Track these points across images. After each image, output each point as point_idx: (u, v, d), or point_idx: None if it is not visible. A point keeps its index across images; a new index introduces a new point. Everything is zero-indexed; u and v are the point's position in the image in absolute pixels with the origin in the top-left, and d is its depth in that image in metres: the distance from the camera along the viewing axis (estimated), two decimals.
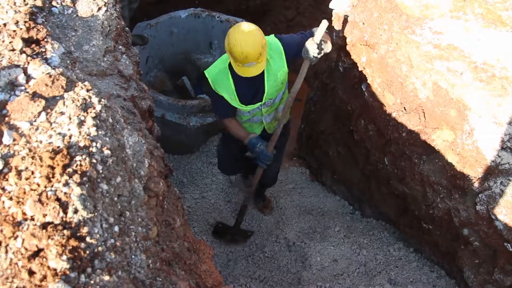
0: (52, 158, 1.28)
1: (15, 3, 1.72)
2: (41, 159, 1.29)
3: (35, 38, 1.63)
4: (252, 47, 2.77)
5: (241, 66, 2.86)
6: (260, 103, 3.24)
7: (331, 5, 3.67)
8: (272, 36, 3.12)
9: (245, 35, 2.77)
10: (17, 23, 1.63)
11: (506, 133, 2.60)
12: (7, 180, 1.25)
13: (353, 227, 4.24)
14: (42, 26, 1.69)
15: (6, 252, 1.14)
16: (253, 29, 2.80)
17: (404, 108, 3.17)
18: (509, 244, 2.74)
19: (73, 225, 1.20)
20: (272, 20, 6.62)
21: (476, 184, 2.84)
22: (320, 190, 4.85)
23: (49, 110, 1.42)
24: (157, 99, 4.35)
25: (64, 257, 1.14)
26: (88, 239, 1.20)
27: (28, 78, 1.49)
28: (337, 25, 3.65)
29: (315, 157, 4.96)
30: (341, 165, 4.45)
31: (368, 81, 3.45)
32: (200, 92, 5.01)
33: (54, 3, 1.87)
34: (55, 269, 1.12)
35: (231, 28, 2.83)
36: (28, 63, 1.53)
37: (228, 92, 3.13)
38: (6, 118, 1.38)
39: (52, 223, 1.19)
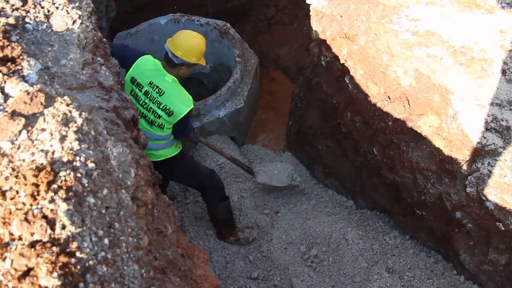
0: (36, 176, 1.27)
1: None
2: (25, 177, 1.27)
3: (10, 56, 1.62)
4: None
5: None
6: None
7: (308, 0, 3.68)
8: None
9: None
10: None
11: (489, 114, 2.63)
12: None
13: (347, 219, 4.26)
14: (16, 43, 1.67)
15: None
16: None
17: (389, 97, 3.19)
18: (501, 224, 2.77)
19: (61, 241, 1.19)
20: (253, 20, 6.59)
21: (464, 167, 2.87)
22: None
23: (29, 128, 1.40)
24: None
25: (55, 274, 1.13)
26: (78, 254, 1.20)
27: (6, 97, 1.48)
28: (315, 20, 3.66)
29: (305, 152, 4.97)
30: (331, 159, 4.46)
31: (351, 73, 3.46)
32: None
33: (27, 20, 1.85)
34: (46, 287, 1.12)
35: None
36: (5, 82, 1.52)
37: None
38: None
39: (40, 241, 1.18)
